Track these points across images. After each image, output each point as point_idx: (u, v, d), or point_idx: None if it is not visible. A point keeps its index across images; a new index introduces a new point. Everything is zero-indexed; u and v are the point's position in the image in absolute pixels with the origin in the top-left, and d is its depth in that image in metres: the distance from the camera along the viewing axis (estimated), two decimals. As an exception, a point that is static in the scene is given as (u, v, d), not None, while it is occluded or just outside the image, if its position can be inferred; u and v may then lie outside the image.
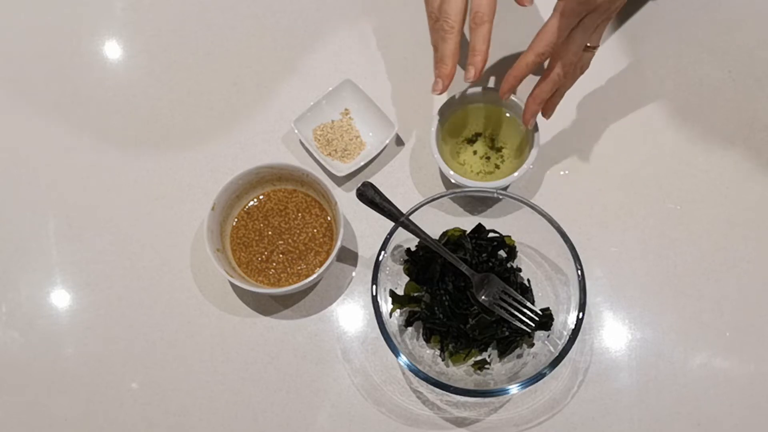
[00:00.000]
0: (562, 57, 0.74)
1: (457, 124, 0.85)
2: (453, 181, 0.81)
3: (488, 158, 0.85)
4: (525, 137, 0.84)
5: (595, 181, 0.86)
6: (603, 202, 0.85)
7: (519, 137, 0.84)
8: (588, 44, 0.74)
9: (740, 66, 0.89)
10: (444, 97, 0.82)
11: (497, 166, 0.84)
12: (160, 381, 0.81)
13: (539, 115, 0.80)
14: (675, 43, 0.91)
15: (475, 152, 0.85)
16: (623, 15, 0.91)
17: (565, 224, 0.77)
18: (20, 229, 0.87)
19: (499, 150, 0.85)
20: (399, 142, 0.88)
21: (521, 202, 0.79)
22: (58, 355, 0.83)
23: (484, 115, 0.85)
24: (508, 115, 0.84)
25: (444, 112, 0.83)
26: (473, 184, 0.80)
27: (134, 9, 0.96)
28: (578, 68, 0.77)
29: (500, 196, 0.80)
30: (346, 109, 0.89)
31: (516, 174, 0.80)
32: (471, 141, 0.85)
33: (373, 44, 0.93)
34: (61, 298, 0.85)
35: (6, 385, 0.82)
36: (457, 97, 0.83)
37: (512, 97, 0.82)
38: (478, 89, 0.83)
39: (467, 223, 0.82)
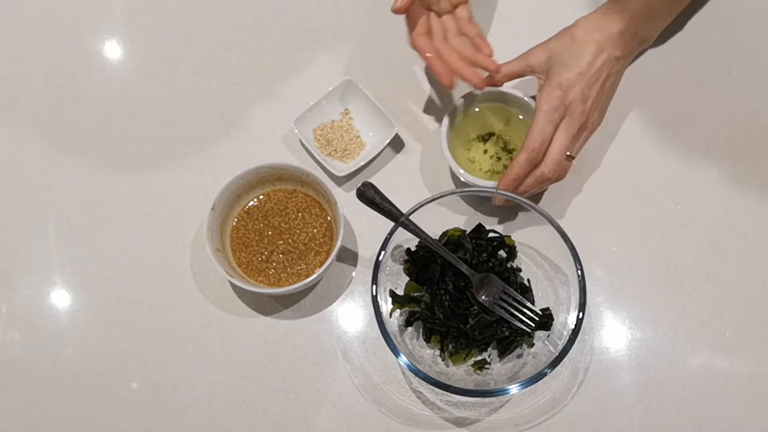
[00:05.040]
0: (547, 156, 0.77)
1: (469, 122, 0.85)
2: (462, 179, 0.81)
3: (499, 158, 0.85)
4: None
5: (595, 181, 0.86)
6: (603, 202, 0.85)
7: None
8: (568, 153, 0.77)
9: (740, 66, 0.89)
10: (457, 94, 0.82)
11: (506, 167, 0.84)
12: (160, 381, 0.81)
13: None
14: (675, 43, 0.90)
15: (485, 151, 0.85)
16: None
17: (565, 224, 0.77)
18: (20, 229, 0.87)
19: (510, 152, 0.85)
20: (399, 142, 0.88)
21: (521, 202, 0.79)
22: (58, 355, 0.83)
23: (500, 116, 0.85)
24: (521, 117, 0.84)
25: (456, 109, 0.83)
26: (482, 182, 0.80)
27: (134, 9, 0.96)
28: (557, 174, 0.78)
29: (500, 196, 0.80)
30: (346, 109, 0.89)
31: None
32: (484, 139, 0.85)
33: (373, 44, 0.92)
34: (61, 298, 0.85)
35: (6, 385, 0.82)
36: (467, 96, 0.83)
37: (525, 98, 0.82)
38: (495, 89, 0.83)
39: (467, 223, 0.82)
